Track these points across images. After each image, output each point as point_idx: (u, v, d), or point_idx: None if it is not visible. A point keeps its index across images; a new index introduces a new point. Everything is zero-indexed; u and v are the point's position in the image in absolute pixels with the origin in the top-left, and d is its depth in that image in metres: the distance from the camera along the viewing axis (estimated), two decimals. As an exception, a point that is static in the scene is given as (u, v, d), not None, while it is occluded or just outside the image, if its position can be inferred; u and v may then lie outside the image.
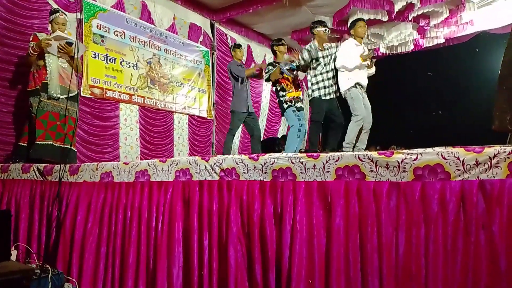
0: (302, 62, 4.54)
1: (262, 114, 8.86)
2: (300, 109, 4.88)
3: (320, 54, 4.54)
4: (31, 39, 4.11)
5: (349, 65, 4.39)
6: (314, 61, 4.54)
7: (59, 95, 4.01)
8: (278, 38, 5.42)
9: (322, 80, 4.56)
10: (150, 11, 6.31)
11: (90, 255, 2.75)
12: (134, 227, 2.61)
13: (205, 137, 7.27)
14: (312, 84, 4.59)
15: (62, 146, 3.84)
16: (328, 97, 4.53)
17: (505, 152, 1.62)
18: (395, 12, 6.71)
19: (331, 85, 4.58)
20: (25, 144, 4.09)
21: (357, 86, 4.48)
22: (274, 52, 5.25)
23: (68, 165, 3.22)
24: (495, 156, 1.63)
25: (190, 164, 2.47)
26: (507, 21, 6.80)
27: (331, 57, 4.67)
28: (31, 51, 3.98)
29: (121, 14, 5.88)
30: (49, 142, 3.93)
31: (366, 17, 6.81)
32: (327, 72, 4.59)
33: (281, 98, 4.89)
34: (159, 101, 6.39)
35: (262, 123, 8.90)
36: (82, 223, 2.87)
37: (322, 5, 6.81)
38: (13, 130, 4.56)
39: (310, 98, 4.63)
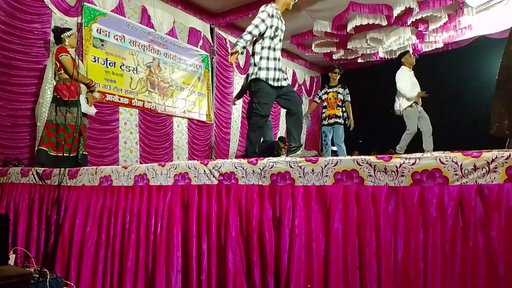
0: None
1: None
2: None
3: (275, 22, 3.40)
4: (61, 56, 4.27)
5: (409, 93, 5.15)
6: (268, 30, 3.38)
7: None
8: (332, 65, 6.52)
9: (268, 58, 3.37)
10: (150, 15, 6.34)
11: (88, 259, 2.74)
12: (133, 231, 2.60)
13: (204, 141, 7.28)
14: (256, 62, 3.39)
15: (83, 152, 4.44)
16: (276, 84, 3.37)
17: (503, 157, 1.63)
18: (394, 17, 6.74)
19: (280, 69, 3.45)
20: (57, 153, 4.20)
21: (413, 105, 5.19)
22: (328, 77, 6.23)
23: (67, 169, 3.22)
24: (493, 160, 1.64)
25: (189, 168, 2.47)
26: (505, 26, 6.84)
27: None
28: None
29: (121, 18, 5.90)
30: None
31: (365, 22, 6.86)
32: (274, 50, 3.44)
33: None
34: (159, 105, 6.40)
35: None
36: (81, 227, 2.87)
37: (321, 9, 6.85)
38: (12, 133, 4.57)
39: (253, 78, 3.39)
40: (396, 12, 6.57)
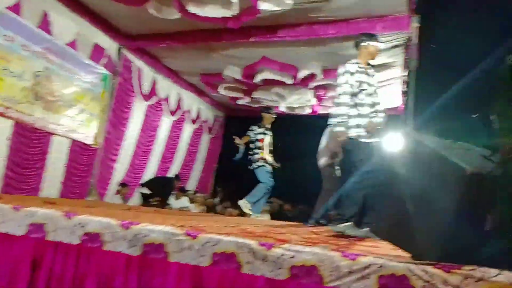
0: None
1: (156, 151, 8.47)
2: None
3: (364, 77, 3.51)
4: None
5: None
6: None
7: None
8: (269, 106, 6.85)
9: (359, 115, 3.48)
10: (51, 21, 5.71)
11: None
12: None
13: (85, 166, 6.60)
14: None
15: None
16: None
17: (376, 264, 1.65)
18: (299, 79, 7.13)
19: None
20: None
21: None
22: (261, 117, 6.33)
23: None
24: (366, 267, 1.64)
25: (47, 219, 2.10)
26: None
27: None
28: None
29: (16, 18, 5.21)
30: None
31: (273, 77, 7.12)
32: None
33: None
34: (40, 120, 5.68)
35: (156, 159, 8.52)
36: None
37: (234, 56, 6.91)
38: None
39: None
40: (301, 74, 6.95)
